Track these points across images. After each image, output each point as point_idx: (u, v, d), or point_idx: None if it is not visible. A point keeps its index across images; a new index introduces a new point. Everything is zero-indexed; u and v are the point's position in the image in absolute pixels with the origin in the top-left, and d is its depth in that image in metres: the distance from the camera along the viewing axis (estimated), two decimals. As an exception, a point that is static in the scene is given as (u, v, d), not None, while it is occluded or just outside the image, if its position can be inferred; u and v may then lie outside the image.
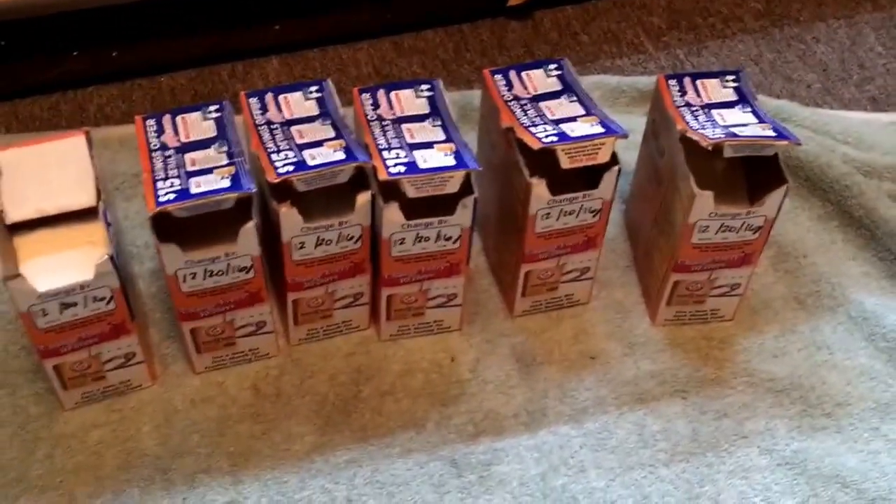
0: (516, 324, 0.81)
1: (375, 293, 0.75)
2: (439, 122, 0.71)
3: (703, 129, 0.70)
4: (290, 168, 0.65)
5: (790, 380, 0.78)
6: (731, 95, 0.74)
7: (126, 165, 0.68)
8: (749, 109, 0.73)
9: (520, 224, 0.72)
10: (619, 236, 0.87)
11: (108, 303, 0.67)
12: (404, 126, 0.70)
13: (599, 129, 0.68)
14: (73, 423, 0.73)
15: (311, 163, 0.65)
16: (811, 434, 0.75)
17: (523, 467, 0.72)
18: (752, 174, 0.74)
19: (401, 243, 0.70)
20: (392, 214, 0.67)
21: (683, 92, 0.75)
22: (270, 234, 0.70)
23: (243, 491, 0.70)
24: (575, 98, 0.73)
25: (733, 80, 0.76)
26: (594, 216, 0.72)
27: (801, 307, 0.82)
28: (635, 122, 0.91)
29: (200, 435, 0.73)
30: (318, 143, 0.68)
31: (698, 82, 0.75)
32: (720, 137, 0.68)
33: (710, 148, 0.68)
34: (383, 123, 0.70)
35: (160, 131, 0.69)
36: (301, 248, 0.69)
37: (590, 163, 0.68)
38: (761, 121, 0.71)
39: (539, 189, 0.69)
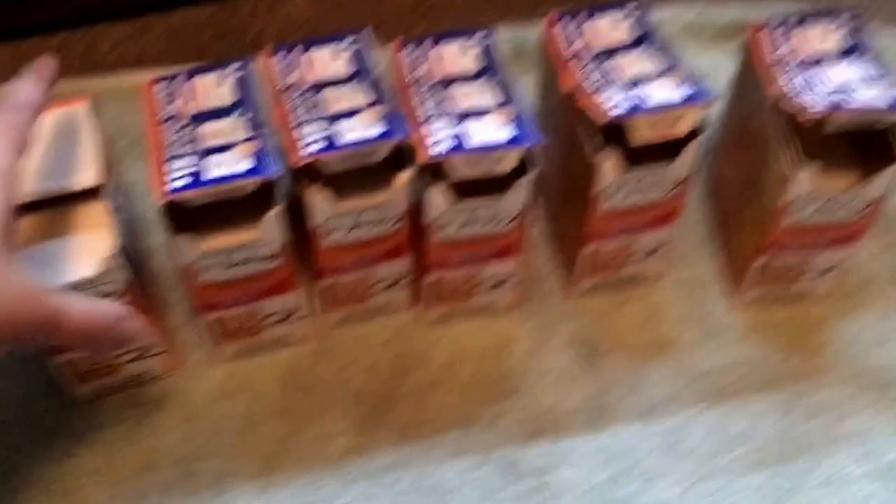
0: (576, 305, 0.71)
1: (418, 277, 0.67)
2: (495, 81, 0.60)
3: (804, 91, 0.59)
4: (318, 147, 0.56)
5: (894, 372, 0.68)
6: (839, 44, 0.63)
7: (139, 119, 0.60)
8: (863, 61, 0.61)
9: (583, 200, 0.62)
10: (698, 197, 0.76)
11: (118, 299, 0.59)
12: (452, 88, 0.60)
13: (682, 94, 0.57)
14: (87, 420, 0.66)
15: (342, 140, 0.56)
16: (918, 437, 0.65)
17: (586, 473, 0.64)
18: (861, 142, 0.62)
19: (447, 227, 0.60)
20: (436, 197, 0.58)
21: (778, 43, 0.63)
22: (299, 213, 0.61)
23: (274, 497, 0.63)
24: (654, 49, 0.61)
25: (844, 24, 0.63)
26: (671, 191, 0.62)
27: (908, 285, 0.72)
28: (721, 63, 0.80)
29: (226, 434, 0.66)
30: (352, 113, 0.58)
31: (797, 31, 0.64)
32: (824, 107, 0.57)
33: (809, 123, 0.57)
34: (427, 85, 0.60)
35: (171, 96, 0.60)
36: (333, 233, 0.60)
37: (669, 136, 0.57)
38: (877, 76, 0.60)
39: (605, 167, 0.59)
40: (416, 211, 0.61)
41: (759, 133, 0.63)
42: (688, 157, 0.60)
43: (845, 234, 0.64)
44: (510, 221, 0.61)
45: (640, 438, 0.65)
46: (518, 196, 0.59)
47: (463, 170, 0.56)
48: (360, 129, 0.57)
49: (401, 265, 0.65)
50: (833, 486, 0.63)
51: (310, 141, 0.56)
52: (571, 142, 0.62)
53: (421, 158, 0.56)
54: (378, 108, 0.58)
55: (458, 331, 0.70)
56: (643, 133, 0.57)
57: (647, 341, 0.70)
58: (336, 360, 0.69)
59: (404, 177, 0.58)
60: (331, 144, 0.56)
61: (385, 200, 0.59)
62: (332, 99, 0.59)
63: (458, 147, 0.56)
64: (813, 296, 0.70)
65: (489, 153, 0.56)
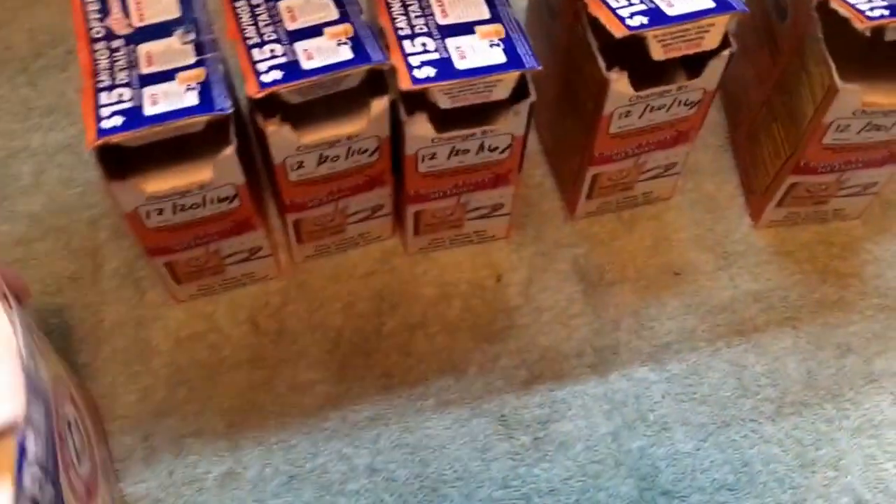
0: (578, 229, 0.63)
1: (400, 207, 0.58)
2: None
3: (855, -12, 0.49)
4: (279, 75, 0.46)
5: (933, 301, 0.61)
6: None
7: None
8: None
9: (588, 120, 0.53)
10: (715, 103, 0.67)
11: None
12: None
13: (708, 3, 0.47)
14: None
15: (306, 66, 0.46)
16: (959, 375, 0.59)
17: (590, 424, 0.57)
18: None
19: (431, 158, 0.52)
20: (417, 128, 0.49)
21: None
22: (260, 146, 0.52)
23: (242, 458, 0.56)
24: None
25: None
26: (691, 108, 0.53)
27: (950, 198, 0.64)
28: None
29: (188, 388, 0.59)
30: (316, 31, 0.48)
31: None
32: (882, 14, 0.47)
33: (867, 32, 0.47)
34: None
35: (104, 10, 0.50)
36: (300, 167, 0.52)
37: (692, 51, 0.48)
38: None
39: (619, 85, 0.49)
40: (393, 138, 0.52)
41: (793, 39, 0.54)
42: (715, 72, 0.50)
43: (891, 154, 0.55)
44: (505, 149, 0.52)
45: (650, 383, 0.58)
46: (515, 122, 0.50)
47: (450, 100, 0.47)
48: (327, 51, 0.47)
49: (379, 195, 0.57)
50: (869, 433, 0.57)
51: (268, 67, 0.47)
52: (576, 52, 0.52)
53: (403, 85, 0.47)
54: (347, 24, 0.48)
55: (446, 261, 0.62)
56: (665, 49, 0.47)
57: (658, 268, 0.62)
58: (309, 298, 0.61)
59: (380, 105, 0.49)
60: (292, 71, 0.46)
61: (357, 131, 0.50)
62: (294, 12, 0.49)
63: (444, 72, 0.46)
64: (843, 216, 0.62)
65: (481, 77, 0.46)
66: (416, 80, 0.46)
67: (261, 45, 0.48)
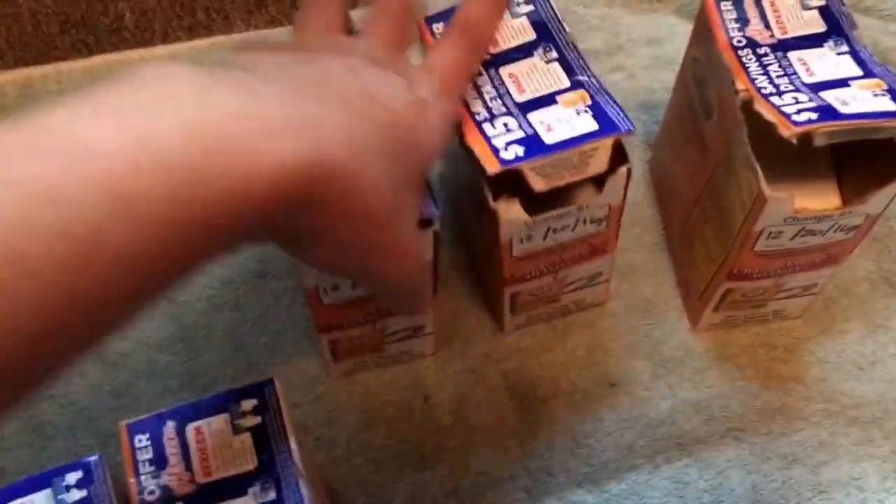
0: (508, 342, 0.60)
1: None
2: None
3: (779, 92, 0.47)
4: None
5: (882, 404, 0.58)
6: (816, 23, 0.50)
7: None
8: (845, 47, 0.49)
9: (491, 246, 0.50)
10: (644, 198, 0.64)
11: None
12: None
13: (590, 125, 0.45)
14: None
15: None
16: (913, 483, 0.56)
17: (525, 557, 0.54)
18: (843, 146, 0.51)
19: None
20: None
21: (744, 17, 0.51)
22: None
23: None
24: (552, 52, 0.48)
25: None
26: (599, 225, 0.50)
27: (894, 291, 0.61)
28: (663, 28, 0.68)
29: None
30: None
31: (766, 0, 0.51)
32: (809, 119, 0.45)
33: (794, 139, 0.45)
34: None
35: None
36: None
37: (578, 178, 0.46)
38: (868, 73, 0.48)
39: (510, 213, 0.46)
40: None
41: (720, 141, 0.51)
42: (613, 190, 0.48)
43: (827, 256, 0.53)
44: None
45: (588, 506, 0.55)
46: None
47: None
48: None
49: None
50: (817, 551, 0.54)
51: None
52: (473, 185, 0.49)
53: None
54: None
55: (370, 384, 0.58)
56: (544, 179, 0.44)
57: (593, 380, 0.58)
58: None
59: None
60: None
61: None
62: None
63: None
64: (783, 316, 0.59)
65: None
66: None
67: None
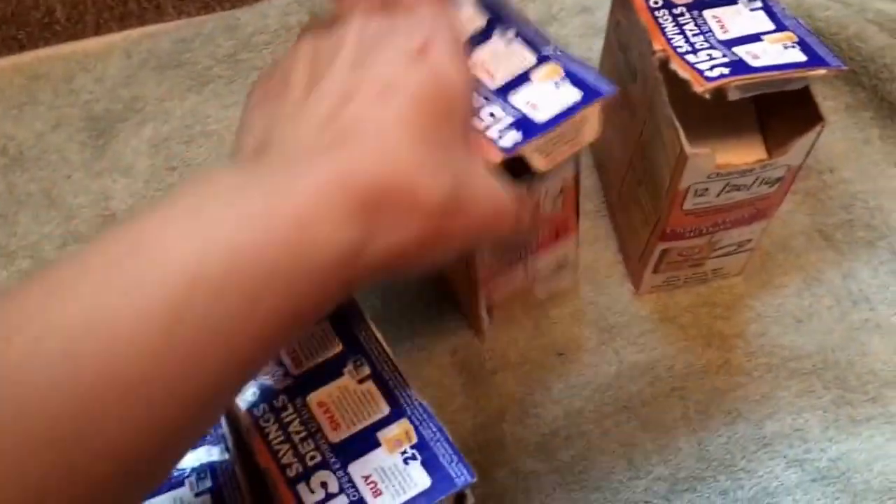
0: (456, 318, 0.60)
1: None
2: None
3: (694, 50, 0.47)
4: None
5: (821, 354, 0.59)
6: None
7: None
8: (758, 3, 0.50)
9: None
10: (583, 167, 0.64)
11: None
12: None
13: (574, 95, 0.44)
14: None
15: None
16: (853, 431, 0.56)
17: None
18: (766, 101, 0.51)
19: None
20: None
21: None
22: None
23: None
24: (510, 33, 0.48)
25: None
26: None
27: (829, 244, 0.62)
28: None
29: None
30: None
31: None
32: (721, 73, 0.45)
33: (707, 95, 0.45)
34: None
35: None
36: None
37: (575, 150, 0.45)
38: (780, 26, 0.48)
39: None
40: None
41: (644, 101, 0.52)
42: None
43: (756, 210, 0.53)
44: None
45: (539, 476, 0.55)
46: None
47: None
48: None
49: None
50: (766, 502, 0.54)
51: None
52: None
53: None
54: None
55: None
56: (545, 158, 0.44)
57: (541, 350, 0.59)
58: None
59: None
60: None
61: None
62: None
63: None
64: (723, 274, 0.60)
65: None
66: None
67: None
